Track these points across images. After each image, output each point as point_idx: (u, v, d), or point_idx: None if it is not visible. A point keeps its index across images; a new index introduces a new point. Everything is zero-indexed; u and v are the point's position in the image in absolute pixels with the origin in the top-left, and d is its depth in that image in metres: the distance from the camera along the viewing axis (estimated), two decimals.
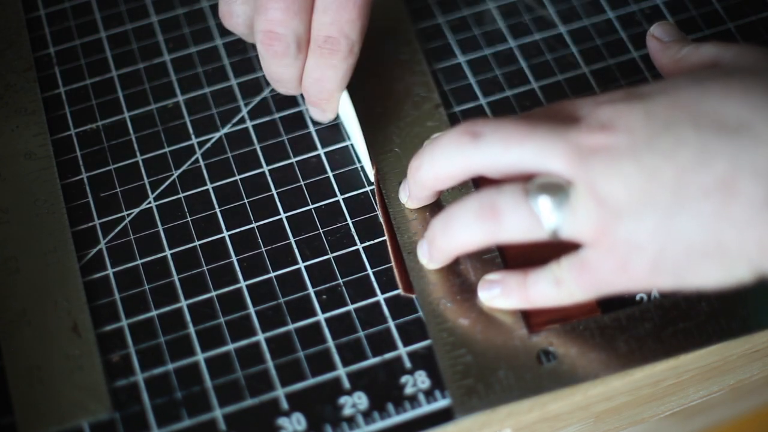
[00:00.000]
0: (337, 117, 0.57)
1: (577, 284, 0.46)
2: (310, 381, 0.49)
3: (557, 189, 0.44)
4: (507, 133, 0.46)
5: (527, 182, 0.45)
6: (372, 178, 0.55)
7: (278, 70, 0.53)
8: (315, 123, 0.57)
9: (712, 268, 0.43)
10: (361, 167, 0.55)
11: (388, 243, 0.53)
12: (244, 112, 0.58)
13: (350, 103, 0.55)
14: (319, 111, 0.56)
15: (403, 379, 0.49)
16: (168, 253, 0.53)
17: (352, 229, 0.54)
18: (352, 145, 0.56)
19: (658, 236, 0.43)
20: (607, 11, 0.60)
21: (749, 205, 0.41)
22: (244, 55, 0.60)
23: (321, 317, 0.51)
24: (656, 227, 0.43)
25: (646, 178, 0.43)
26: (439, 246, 0.50)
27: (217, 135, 0.57)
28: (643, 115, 0.44)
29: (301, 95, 0.57)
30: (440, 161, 0.48)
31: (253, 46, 0.58)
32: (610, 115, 0.44)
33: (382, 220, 0.53)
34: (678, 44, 0.50)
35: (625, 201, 0.43)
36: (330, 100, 0.54)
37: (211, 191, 0.55)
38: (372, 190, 0.55)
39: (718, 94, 0.43)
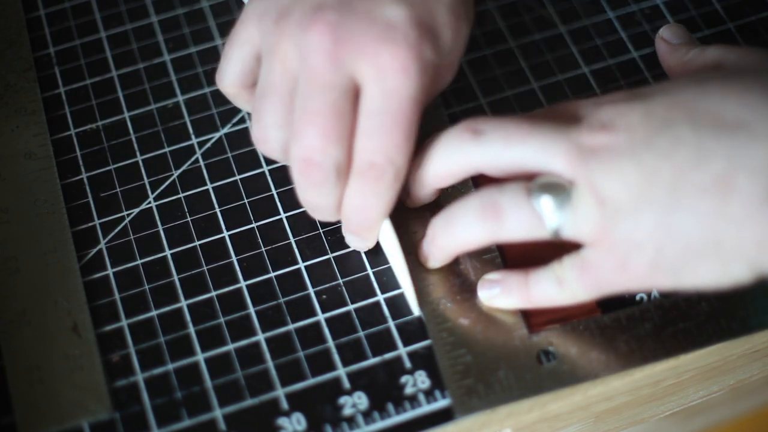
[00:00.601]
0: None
1: (579, 284, 0.46)
2: (310, 381, 0.49)
3: (559, 189, 0.44)
4: (509, 131, 0.46)
5: (529, 181, 0.45)
6: (416, 312, 0.51)
7: (316, 199, 0.49)
8: None
9: (710, 266, 0.43)
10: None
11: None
12: (245, 111, 0.58)
13: (393, 232, 0.50)
14: (358, 239, 0.51)
15: (403, 379, 0.49)
16: (168, 253, 0.53)
17: None
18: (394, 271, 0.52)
19: (657, 235, 0.43)
20: (607, 11, 0.60)
21: (746, 202, 0.42)
22: None
23: (321, 317, 0.51)
24: (655, 226, 0.43)
25: (645, 177, 0.43)
26: (439, 244, 0.50)
27: (217, 135, 0.57)
28: (643, 114, 0.44)
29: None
30: (440, 158, 0.48)
31: None
32: (611, 115, 0.44)
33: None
34: (685, 47, 0.51)
35: (625, 200, 0.43)
36: (372, 229, 0.50)
37: (211, 191, 0.55)
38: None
39: (717, 93, 0.44)
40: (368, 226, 0.50)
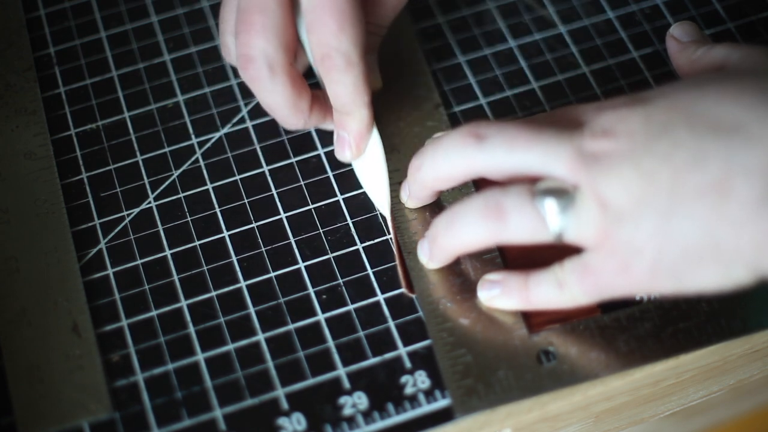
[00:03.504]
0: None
1: (579, 287, 0.46)
2: (310, 381, 0.49)
3: (563, 193, 0.45)
4: (511, 136, 0.46)
5: (533, 184, 0.45)
6: (390, 224, 0.53)
7: (262, 98, 0.52)
8: None
9: (710, 269, 0.43)
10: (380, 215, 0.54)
11: (393, 242, 0.53)
12: (244, 112, 0.58)
13: (380, 145, 0.53)
14: (345, 145, 0.54)
15: (403, 379, 0.49)
16: (168, 253, 0.53)
17: (352, 229, 0.54)
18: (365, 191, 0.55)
19: (656, 239, 0.43)
20: (607, 11, 0.60)
21: (743, 204, 0.42)
22: None
23: (321, 317, 0.51)
24: (654, 229, 0.43)
25: (645, 181, 0.43)
26: (441, 245, 0.50)
27: (217, 135, 0.57)
28: (643, 119, 0.44)
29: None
30: (442, 162, 0.48)
31: None
32: (612, 121, 0.44)
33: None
34: (694, 45, 0.51)
35: (626, 205, 0.43)
36: (353, 116, 0.52)
37: (211, 191, 0.55)
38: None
39: (715, 95, 0.44)
40: (348, 112, 0.52)
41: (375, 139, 0.54)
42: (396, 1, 0.53)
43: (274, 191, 0.55)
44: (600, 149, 0.44)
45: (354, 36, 0.50)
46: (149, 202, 0.55)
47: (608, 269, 0.45)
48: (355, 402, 0.49)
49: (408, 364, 0.50)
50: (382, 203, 0.54)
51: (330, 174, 0.55)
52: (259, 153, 0.56)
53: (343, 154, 0.54)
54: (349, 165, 0.55)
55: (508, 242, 0.47)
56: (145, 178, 0.56)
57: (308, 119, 0.53)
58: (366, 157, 0.54)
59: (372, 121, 0.53)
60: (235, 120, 0.58)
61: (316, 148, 0.56)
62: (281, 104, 0.52)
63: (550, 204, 0.45)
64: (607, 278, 0.45)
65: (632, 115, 0.44)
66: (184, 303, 0.52)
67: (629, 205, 0.43)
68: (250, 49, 0.50)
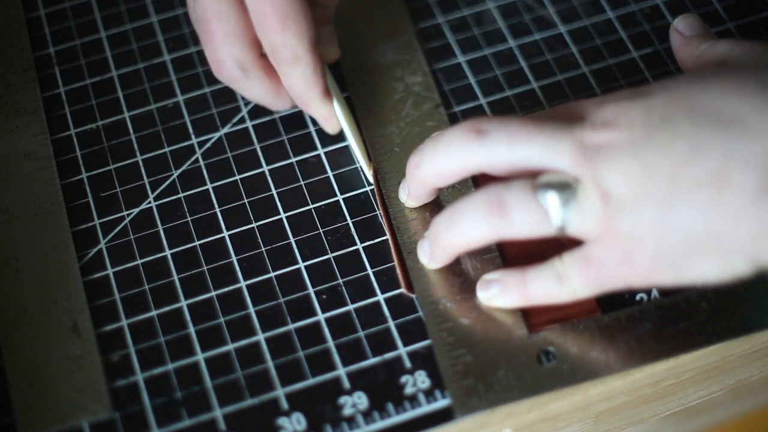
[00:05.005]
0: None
1: (580, 279, 0.46)
2: (310, 381, 0.49)
3: (565, 185, 0.45)
4: (513, 131, 0.46)
5: (535, 178, 0.46)
6: (371, 179, 0.55)
7: (245, 93, 0.54)
8: (315, 123, 0.57)
9: (709, 260, 0.43)
10: (360, 168, 0.55)
11: (390, 241, 0.53)
12: (244, 112, 0.58)
13: (342, 108, 0.55)
14: (321, 119, 0.55)
15: (403, 379, 0.49)
16: (168, 253, 0.53)
17: (352, 229, 0.54)
18: (349, 148, 0.56)
19: (657, 229, 0.43)
20: (607, 11, 0.60)
21: (741, 196, 0.42)
22: None
23: (321, 317, 0.51)
24: (654, 220, 0.43)
25: (645, 172, 0.43)
26: (442, 243, 0.49)
27: (217, 135, 0.57)
28: (644, 111, 0.44)
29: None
30: (442, 157, 0.48)
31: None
32: (613, 113, 0.45)
33: (382, 219, 0.53)
34: (698, 39, 0.51)
35: (627, 195, 0.43)
36: (311, 105, 0.54)
37: (211, 191, 0.55)
38: (372, 190, 0.55)
39: (716, 89, 0.44)
40: (304, 102, 0.54)
41: (342, 121, 0.55)
42: None
43: (274, 191, 0.55)
44: (601, 141, 0.44)
45: (298, 31, 0.51)
46: (149, 202, 0.55)
47: (610, 260, 0.45)
48: (355, 402, 0.49)
49: (408, 364, 0.50)
50: (363, 166, 0.55)
51: (330, 174, 0.55)
52: (259, 153, 0.56)
53: (326, 130, 0.56)
54: (351, 164, 0.55)
55: (511, 237, 0.47)
56: (145, 178, 0.56)
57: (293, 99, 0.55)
58: (344, 129, 0.56)
59: (330, 105, 0.55)
60: (235, 120, 0.58)
61: (316, 148, 0.56)
62: (263, 95, 0.54)
63: (552, 197, 0.45)
64: (609, 269, 0.45)
65: (633, 107, 0.44)
66: (184, 303, 0.52)
67: (630, 195, 0.43)
68: (218, 56, 0.52)
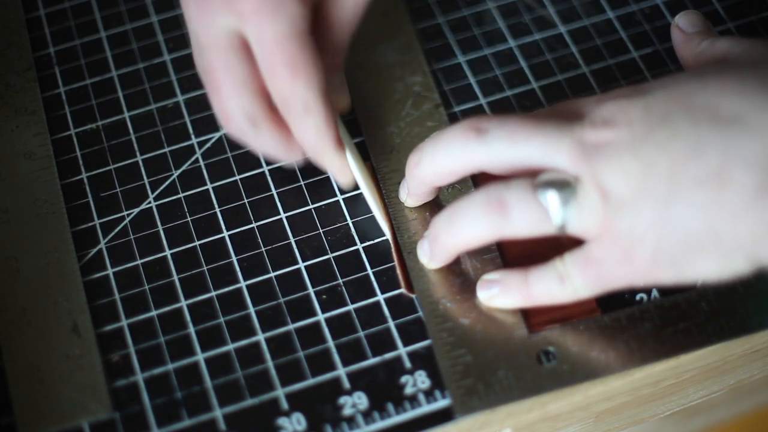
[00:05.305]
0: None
1: (581, 279, 0.46)
2: (310, 381, 0.49)
3: (565, 184, 0.45)
4: (513, 129, 0.46)
5: (535, 177, 0.46)
6: (386, 232, 0.53)
7: (255, 146, 0.52)
8: None
9: (709, 258, 0.43)
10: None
11: (390, 241, 0.53)
12: None
13: (355, 158, 0.53)
14: (334, 172, 0.53)
15: (403, 379, 0.49)
16: (168, 253, 0.53)
17: (352, 229, 0.54)
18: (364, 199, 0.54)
19: (656, 227, 0.43)
20: (607, 11, 0.60)
21: (740, 194, 0.42)
22: None
23: (321, 317, 0.51)
24: (654, 218, 0.43)
25: (644, 170, 0.43)
26: (442, 243, 0.49)
27: (217, 135, 0.57)
28: (643, 109, 0.44)
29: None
30: (442, 156, 0.48)
31: None
32: (613, 111, 0.45)
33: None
34: (699, 37, 0.51)
35: (627, 194, 0.43)
36: (324, 157, 0.52)
37: (211, 191, 0.55)
38: (388, 241, 0.53)
39: (715, 87, 0.44)
40: (317, 154, 0.52)
41: (356, 172, 0.53)
42: (349, 18, 0.52)
43: (274, 191, 0.55)
44: (600, 139, 0.44)
45: (308, 80, 0.49)
46: (149, 202, 0.55)
47: (610, 259, 0.45)
48: (355, 402, 0.49)
49: (408, 364, 0.50)
50: (382, 225, 0.53)
51: (330, 174, 0.55)
52: (259, 153, 0.56)
53: (339, 183, 0.54)
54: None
55: (511, 237, 0.47)
56: (145, 178, 0.56)
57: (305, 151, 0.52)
58: (360, 184, 0.54)
59: (343, 156, 0.52)
60: None
61: None
62: (274, 147, 0.51)
63: (552, 196, 0.45)
64: (609, 268, 0.45)
65: (632, 106, 0.44)
66: (184, 303, 0.52)
67: (629, 194, 0.43)
68: (226, 109, 0.50)
